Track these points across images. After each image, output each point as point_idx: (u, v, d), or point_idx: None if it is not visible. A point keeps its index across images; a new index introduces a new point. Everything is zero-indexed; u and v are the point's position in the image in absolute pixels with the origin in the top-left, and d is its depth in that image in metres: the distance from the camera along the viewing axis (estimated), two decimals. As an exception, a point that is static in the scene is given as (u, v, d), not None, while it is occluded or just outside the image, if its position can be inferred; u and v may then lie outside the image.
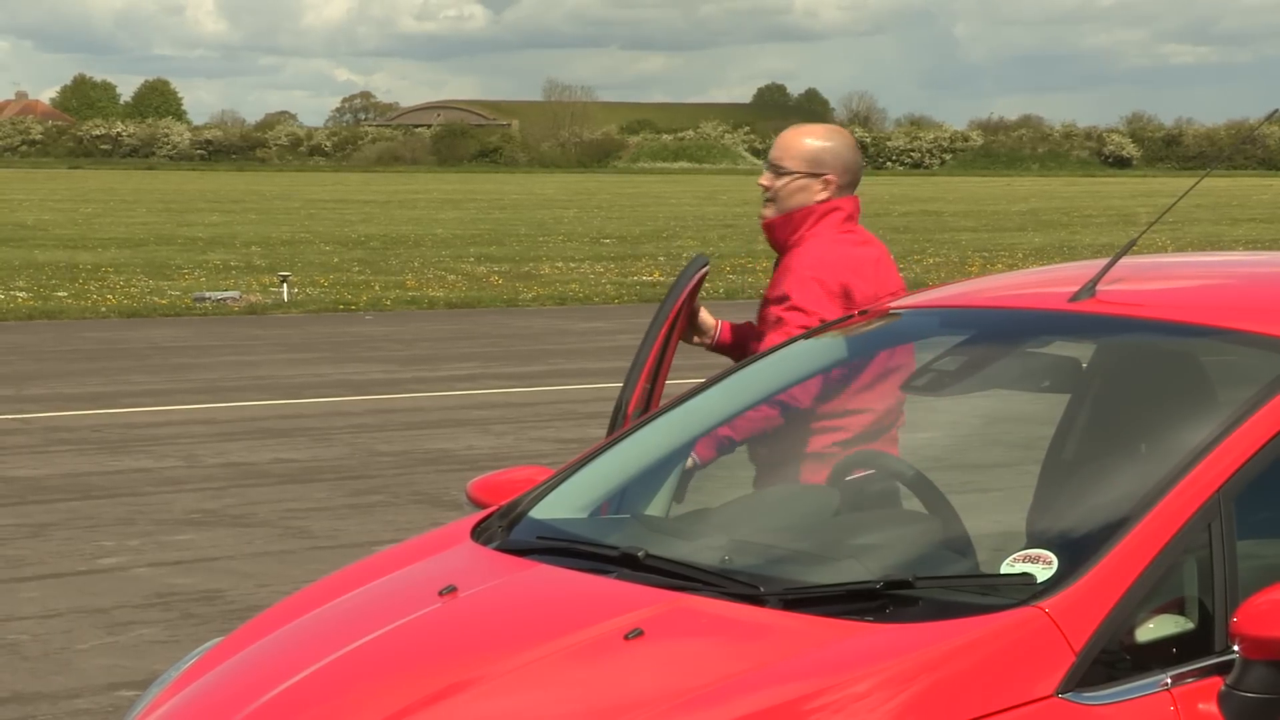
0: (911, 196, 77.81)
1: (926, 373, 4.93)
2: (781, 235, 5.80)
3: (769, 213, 5.82)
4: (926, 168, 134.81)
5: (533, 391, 17.84)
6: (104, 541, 10.64)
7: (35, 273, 31.31)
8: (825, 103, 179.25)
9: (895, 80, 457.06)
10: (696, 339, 5.94)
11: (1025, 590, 3.66)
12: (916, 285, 22.23)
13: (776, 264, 5.87)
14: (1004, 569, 3.80)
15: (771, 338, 5.56)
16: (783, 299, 5.65)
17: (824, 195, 5.71)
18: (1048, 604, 3.58)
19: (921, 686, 3.49)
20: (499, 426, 15.39)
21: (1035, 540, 3.88)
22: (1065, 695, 3.47)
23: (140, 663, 7.92)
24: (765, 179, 5.80)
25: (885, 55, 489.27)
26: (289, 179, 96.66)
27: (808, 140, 5.81)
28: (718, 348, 6.02)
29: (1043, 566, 3.72)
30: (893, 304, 5.26)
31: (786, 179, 5.73)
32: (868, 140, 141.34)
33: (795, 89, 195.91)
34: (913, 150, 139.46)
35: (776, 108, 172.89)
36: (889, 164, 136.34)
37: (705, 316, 5.90)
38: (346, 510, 11.65)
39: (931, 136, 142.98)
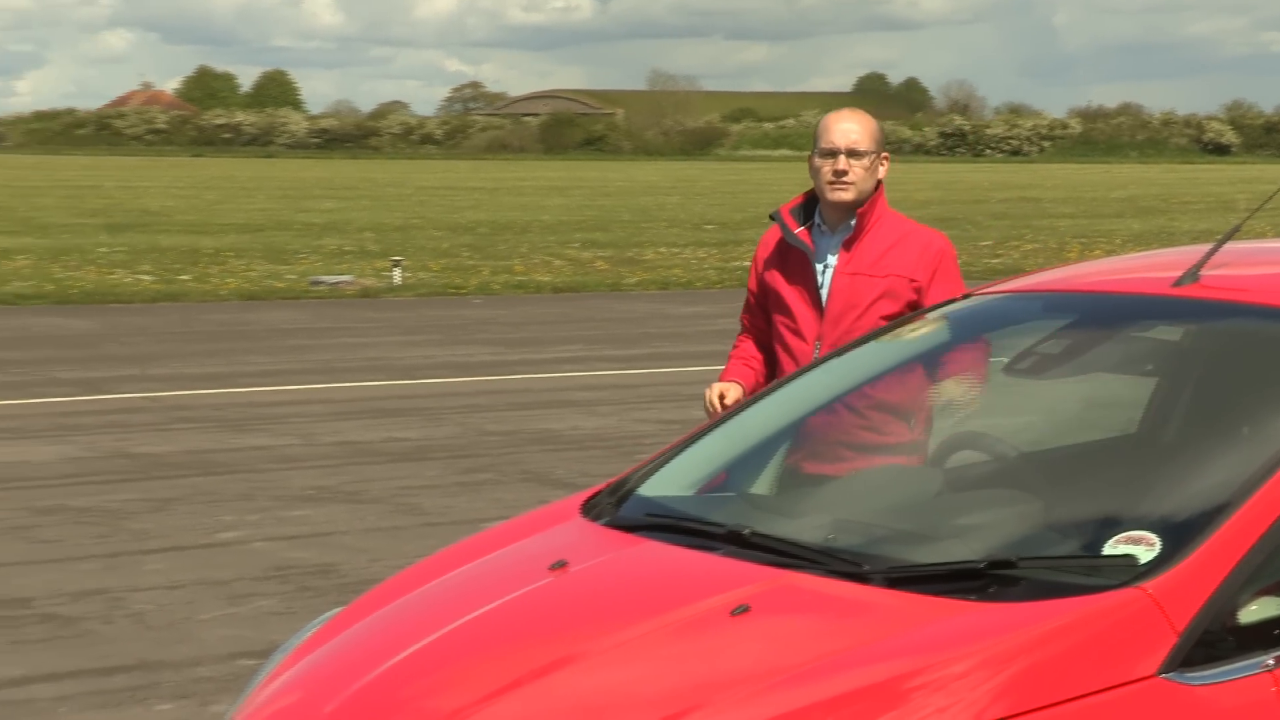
0: (1010, 183, 77.30)
1: (1030, 356, 4.88)
2: (865, 215, 5.76)
3: (849, 196, 5.71)
4: (1025, 155, 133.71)
5: (636, 374, 17.84)
6: (224, 516, 10.72)
7: (160, 257, 31.59)
8: (925, 91, 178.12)
9: (994, 69, 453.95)
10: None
11: (1128, 571, 3.62)
12: (1015, 271, 22.14)
13: (830, 242, 5.81)
14: (1107, 550, 3.76)
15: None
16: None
17: (884, 172, 5.80)
18: (1150, 585, 3.54)
19: (1022, 666, 3.45)
20: (603, 407, 15.39)
21: (1138, 522, 3.82)
22: (1167, 675, 3.42)
23: (259, 633, 7.98)
24: (844, 163, 5.69)
25: (985, 44, 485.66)
26: (401, 167, 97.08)
27: (867, 121, 5.83)
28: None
29: (1145, 548, 3.67)
30: (996, 288, 5.22)
31: (867, 159, 5.72)
32: (967, 128, 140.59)
33: (895, 77, 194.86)
34: (1011, 138, 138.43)
35: (876, 96, 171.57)
36: (988, 151, 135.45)
37: (735, 393, 5.88)
38: (456, 488, 11.69)
39: (1030, 124, 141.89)
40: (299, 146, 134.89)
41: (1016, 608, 3.62)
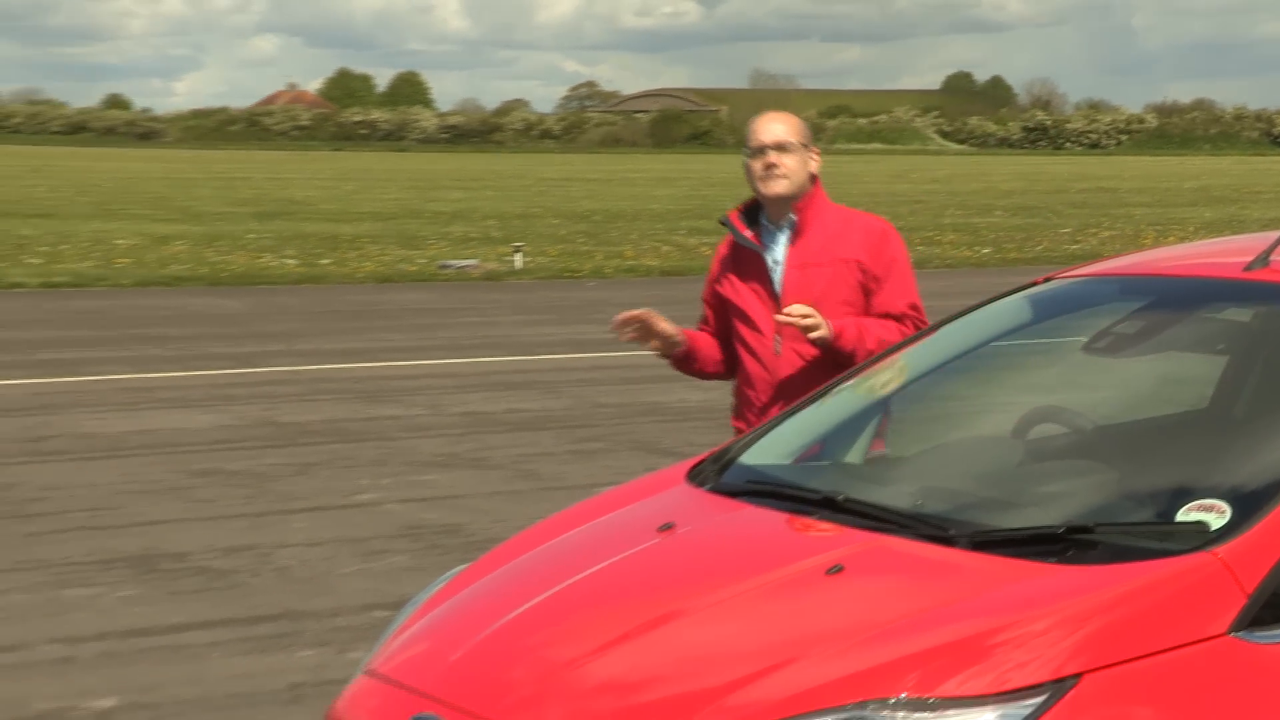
0: (1089, 175, 76.62)
1: (1107, 335, 4.83)
2: (803, 209, 5.57)
3: (782, 187, 5.51)
4: (1103, 148, 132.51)
5: (739, 350, 17.80)
6: (361, 480, 10.80)
7: (303, 242, 31.84)
8: (1009, 88, 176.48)
9: (1075, 67, 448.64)
10: (662, 353, 5.81)
11: (1199, 537, 3.59)
12: (1093, 256, 21.86)
13: (778, 239, 5.64)
14: (1179, 517, 3.72)
15: (893, 336, 5.40)
16: (894, 314, 5.50)
17: (816, 166, 5.60)
18: (1221, 550, 3.50)
19: (1099, 624, 3.42)
20: (707, 382, 15.35)
21: (1209, 491, 3.78)
22: (1236, 634, 3.39)
23: (392, 587, 8.02)
24: (773, 157, 5.49)
25: (1066, 45, 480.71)
26: (522, 160, 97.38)
27: (790, 118, 5.63)
28: (684, 359, 5.87)
29: (1216, 515, 3.64)
30: (1076, 273, 5.17)
31: (794, 152, 5.52)
32: (1048, 123, 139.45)
33: (981, 76, 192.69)
34: (1091, 132, 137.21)
35: (964, 93, 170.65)
36: (1068, 145, 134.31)
37: (667, 325, 5.70)
38: (571, 455, 11.71)
39: (1109, 119, 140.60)
40: (429, 141, 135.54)
41: (1093, 570, 3.59)
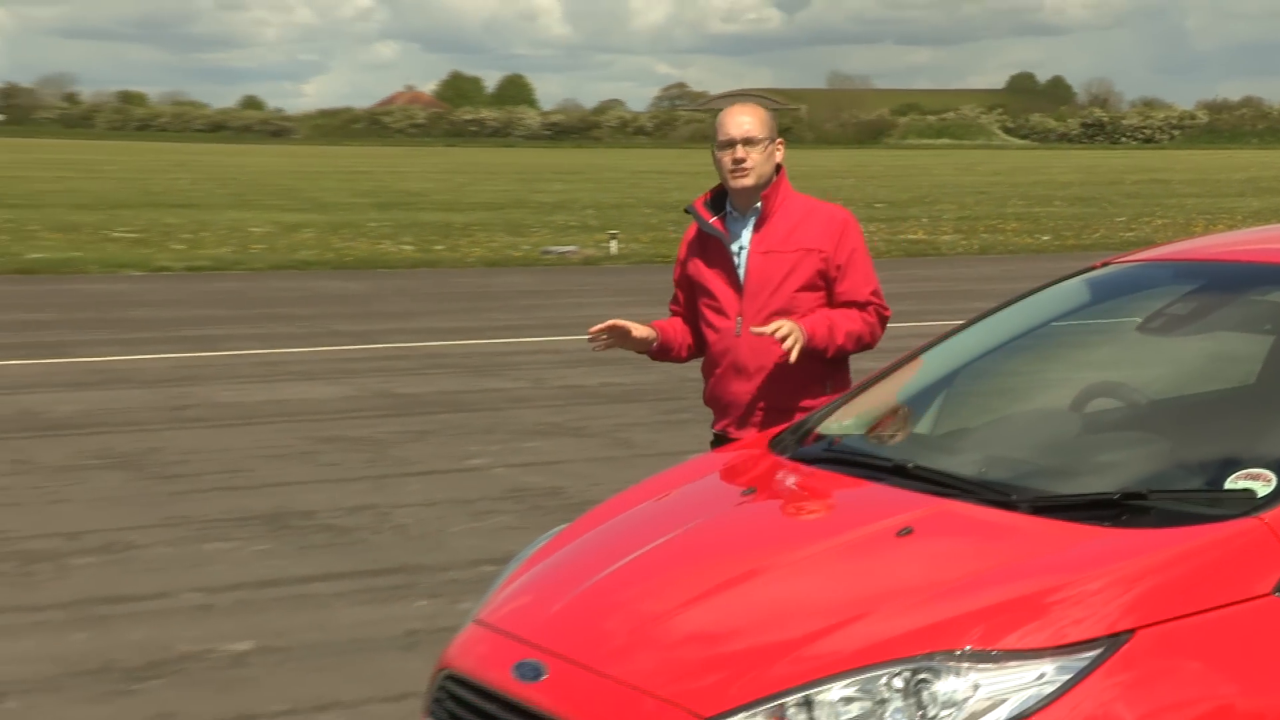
0: (1142, 167, 75.82)
1: (1160, 316, 4.78)
2: (769, 198, 5.32)
3: (749, 181, 5.24)
4: (1157, 143, 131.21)
5: (817, 329, 17.72)
6: (470, 446, 10.84)
7: (419, 230, 32.02)
8: (1069, 87, 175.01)
9: (1131, 67, 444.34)
10: (640, 351, 5.62)
11: (1246, 503, 3.54)
12: (1147, 243, 21.55)
13: (742, 225, 5.37)
14: (1228, 485, 3.67)
15: (863, 331, 5.24)
16: (858, 302, 5.26)
17: (780, 157, 5.35)
18: (1267, 516, 3.45)
19: (1151, 584, 3.38)
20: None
21: (1256, 461, 3.73)
22: (1280, 594, 3.34)
23: (499, 544, 8.05)
24: (741, 152, 5.22)
25: (1122, 46, 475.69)
26: (617, 154, 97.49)
27: (758, 112, 5.35)
28: (660, 351, 5.63)
29: (1263, 484, 3.59)
30: (1132, 258, 5.11)
31: (761, 145, 5.25)
32: (1105, 119, 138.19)
33: (1042, 76, 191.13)
34: (1145, 127, 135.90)
35: (1026, 92, 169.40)
36: (1123, 139, 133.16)
37: (639, 330, 5.49)
38: (661, 425, 11.71)
39: (1162, 115, 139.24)
40: (533, 138, 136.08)
41: (1146, 534, 3.55)
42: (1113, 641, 3.28)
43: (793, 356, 5.01)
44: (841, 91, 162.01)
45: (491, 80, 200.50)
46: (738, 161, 5.22)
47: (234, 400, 12.61)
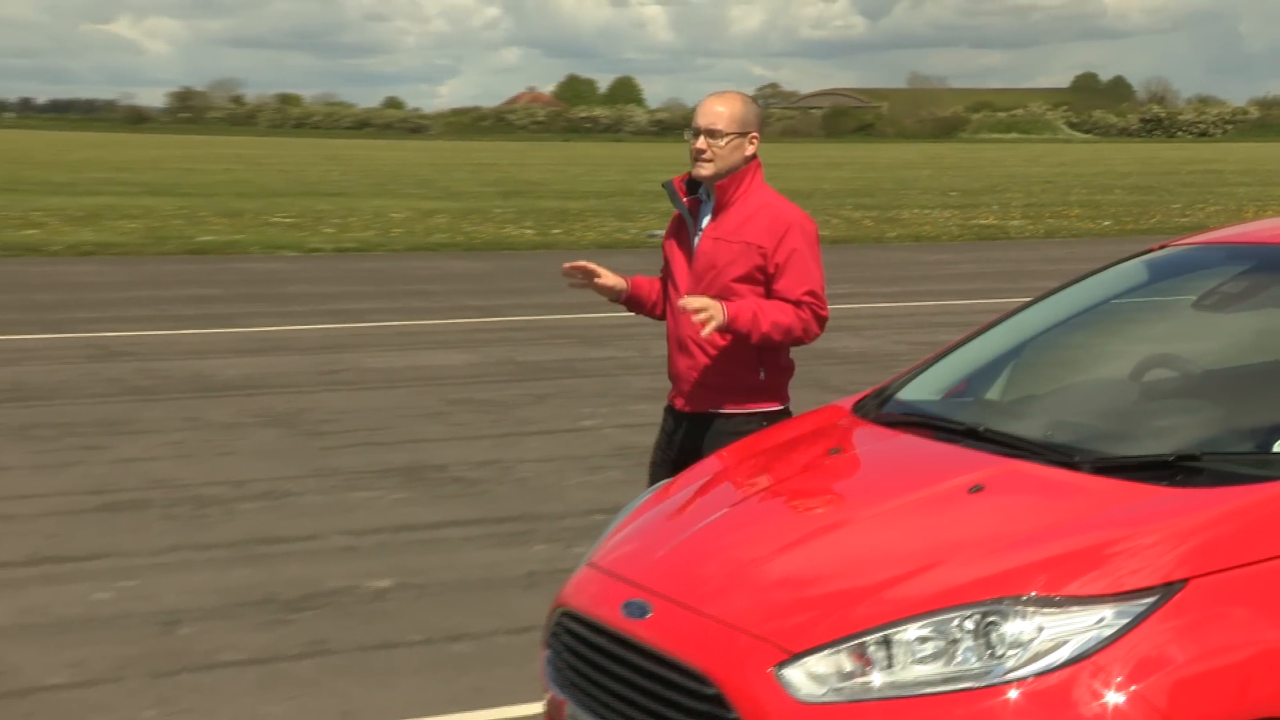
0: (1197, 159, 74.47)
1: (1214, 294, 4.68)
2: (725, 189, 5.02)
3: (707, 171, 4.96)
4: (1211, 136, 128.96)
5: (893, 306, 17.61)
6: (584, 409, 10.86)
7: (538, 216, 32.11)
8: (1129, 86, 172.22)
9: (1187, 67, 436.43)
10: (611, 299, 5.29)
11: (1293, 465, 3.47)
12: (1200, 228, 21.17)
13: (708, 209, 5.08)
14: (1276, 448, 3.64)
15: (793, 326, 4.90)
16: (792, 299, 4.91)
17: (752, 151, 5.02)
18: (1311, 476, 3.38)
19: (1203, 538, 3.32)
20: (868, 331, 15.23)
21: None
22: (1323, 548, 3.27)
23: (609, 496, 8.06)
24: (703, 143, 4.93)
25: (1180, 48, 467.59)
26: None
27: (733, 105, 5.00)
28: (631, 301, 5.29)
29: (1308, 448, 3.52)
30: (1187, 241, 5.02)
31: (725, 139, 4.93)
32: (1163, 115, 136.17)
33: (1105, 76, 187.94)
34: (1200, 122, 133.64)
35: (1089, 91, 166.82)
36: (1179, 133, 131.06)
37: (609, 277, 5.16)
38: (757, 390, 11.67)
39: (1216, 111, 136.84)
40: (640, 133, 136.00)
41: (1199, 492, 3.49)
42: (1167, 590, 3.24)
43: (704, 332, 4.74)
44: (920, 91, 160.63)
45: (604, 82, 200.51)
46: (699, 151, 4.94)
47: (377, 366, 12.73)
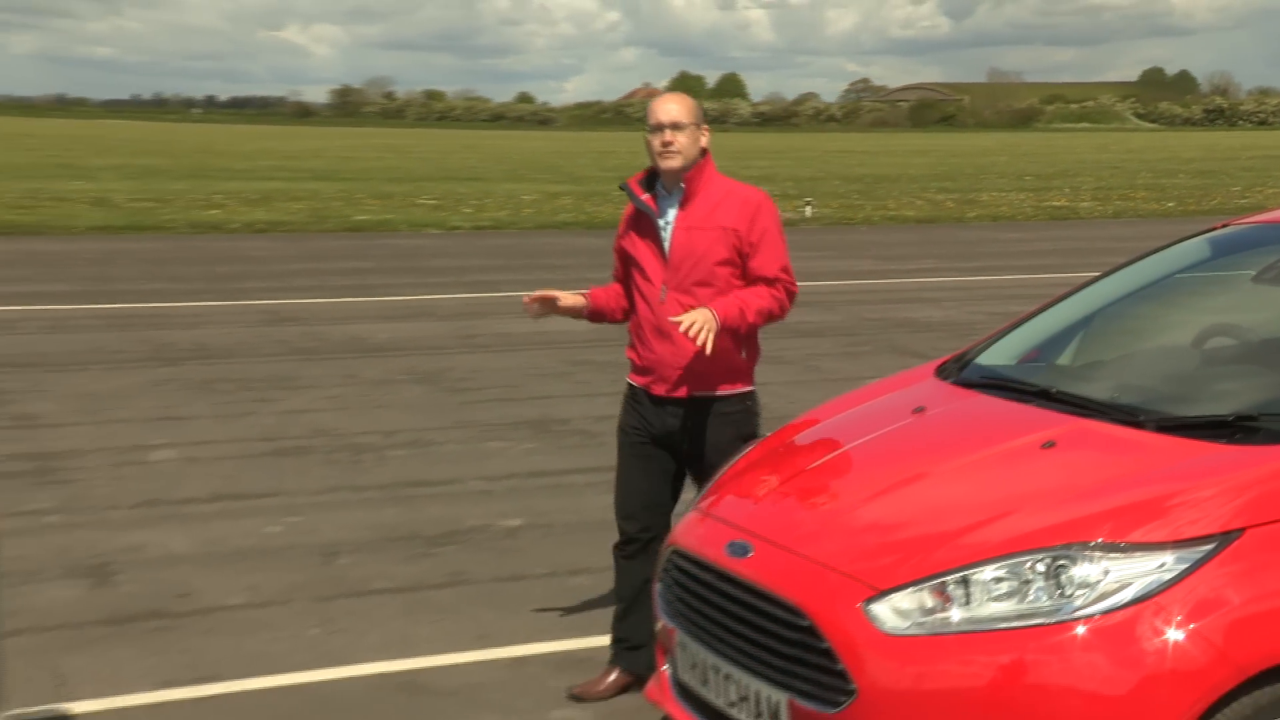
0: (1257, 145, 72.52)
1: (1272, 269, 4.55)
2: (692, 179, 4.71)
3: (676, 163, 4.64)
4: (1270, 124, 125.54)
5: (971, 280, 17.36)
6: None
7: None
8: (1193, 79, 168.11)
9: (1249, 61, 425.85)
10: (575, 317, 5.00)
11: (1343, 426, 3.36)
12: (1259, 208, 20.71)
13: (671, 202, 4.74)
14: (1329, 411, 3.51)
15: (773, 307, 4.68)
16: (766, 277, 4.66)
17: (706, 141, 4.75)
18: (1360, 437, 3.28)
19: (1259, 491, 3.25)
20: (948, 303, 15.04)
21: None
22: (1371, 503, 3.17)
23: (714, 448, 8.04)
24: (669, 135, 4.63)
25: (1243, 43, 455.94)
26: (812, 137, 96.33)
27: (685, 100, 4.73)
28: (593, 315, 4.99)
29: (1358, 410, 3.40)
30: (1248, 220, 4.88)
31: (687, 130, 4.65)
32: (1225, 105, 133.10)
33: (1170, 70, 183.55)
34: (1260, 112, 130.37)
35: (1156, 84, 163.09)
36: (1240, 122, 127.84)
37: (568, 299, 4.88)
38: (844, 356, 11.59)
39: (1275, 101, 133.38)
40: (744, 124, 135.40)
41: (1256, 450, 3.40)
42: (1224, 538, 3.17)
43: (708, 349, 4.44)
44: (998, 85, 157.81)
45: (712, 77, 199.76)
46: (666, 144, 4.64)
47: (509, 331, 12.79)
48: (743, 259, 4.66)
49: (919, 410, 4.16)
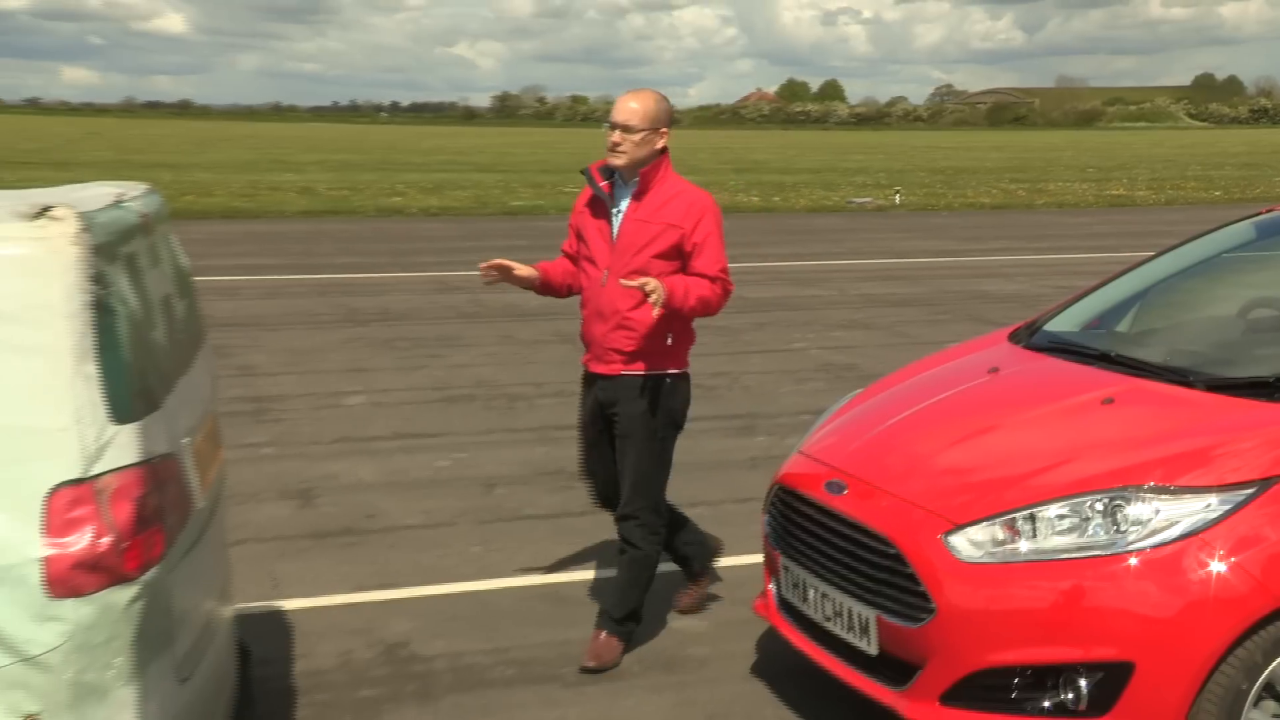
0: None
1: None
2: (647, 176, 4.32)
3: (620, 162, 4.25)
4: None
5: (1040, 258, 16.93)
6: (794, 334, 10.77)
7: (762, 187, 31.78)
8: (1241, 84, 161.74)
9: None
10: (525, 288, 4.52)
11: (1375, 388, 3.22)
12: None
13: (626, 193, 4.34)
14: (1360, 374, 3.35)
15: (711, 299, 4.29)
16: (707, 276, 4.28)
17: (662, 144, 4.31)
18: (1390, 398, 3.13)
19: None
20: (1020, 278, 14.70)
21: None
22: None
23: (813, 401, 7.99)
24: (617, 136, 4.22)
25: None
26: (902, 136, 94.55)
27: (645, 102, 4.26)
28: (543, 288, 4.53)
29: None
30: (1289, 205, 4.69)
31: (637, 134, 4.23)
32: (1269, 106, 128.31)
33: (1220, 75, 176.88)
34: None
35: (1207, 88, 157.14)
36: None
37: (521, 270, 4.42)
38: (927, 323, 11.39)
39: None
40: (842, 124, 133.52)
41: None
42: (1263, 484, 3.09)
43: (655, 311, 4.11)
44: (1065, 89, 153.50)
45: (815, 83, 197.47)
46: (614, 143, 4.24)
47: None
48: (683, 257, 4.28)
49: (993, 370, 4.09)
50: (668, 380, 4.42)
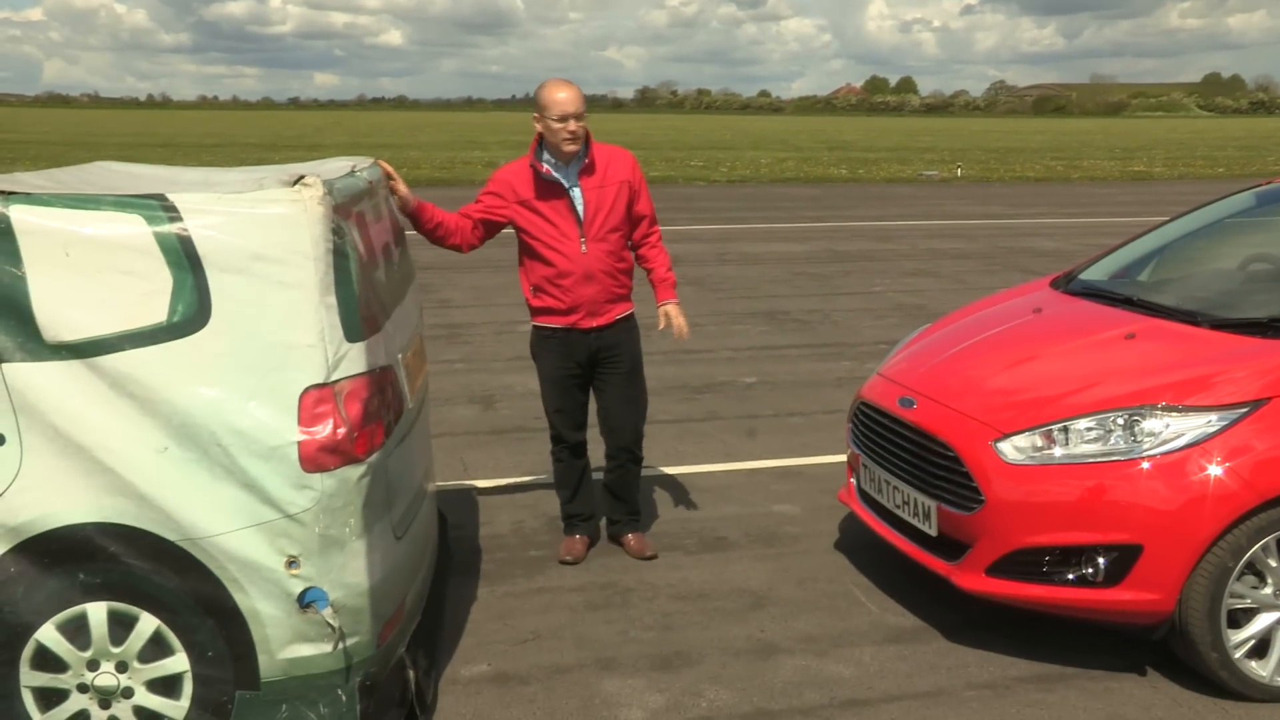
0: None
1: None
2: (595, 152, 3.95)
3: (578, 146, 3.87)
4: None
5: (1074, 221, 16.17)
6: (874, 280, 10.50)
7: (849, 162, 30.94)
8: (1244, 81, 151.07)
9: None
10: (398, 207, 3.70)
11: (1358, 329, 3.04)
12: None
13: (572, 172, 3.91)
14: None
15: (657, 255, 4.07)
16: (647, 215, 4.04)
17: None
18: (1372, 338, 2.95)
19: None
20: (1058, 236, 14.08)
21: None
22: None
23: (889, 333, 7.86)
24: (574, 125, 3.83)
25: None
26: (959, 122, 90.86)
27: (579, 90, 3.86)
28: (414, 217, 3.84)
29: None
30: (1291, 179, 4.40)
31: (583, 119, 3.87)
32: (1265, 99, 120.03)
33: (1226, 74, 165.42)
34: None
35: (1214, 84, 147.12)
36: (1277, 111, 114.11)
37: (401, 187, 3.68)
38: (981, 272, 11.02)
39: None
40: (914, 112, 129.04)
41: None
42: (1255, 405, 2.99)
43: (686, 332, 4.05)
44: (1098, 85, 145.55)
45: (893, 79, 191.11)
46: (573, 132, 3.83)
47: (750, 251, 12.67)
48: (629, 205, 3.98)
49: (1037, 310, 3.98)
50: (633, 316, 4.15)
